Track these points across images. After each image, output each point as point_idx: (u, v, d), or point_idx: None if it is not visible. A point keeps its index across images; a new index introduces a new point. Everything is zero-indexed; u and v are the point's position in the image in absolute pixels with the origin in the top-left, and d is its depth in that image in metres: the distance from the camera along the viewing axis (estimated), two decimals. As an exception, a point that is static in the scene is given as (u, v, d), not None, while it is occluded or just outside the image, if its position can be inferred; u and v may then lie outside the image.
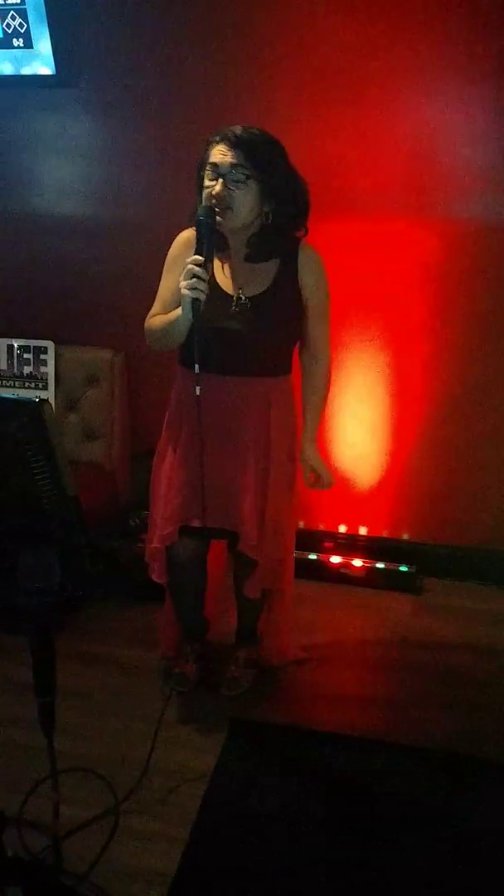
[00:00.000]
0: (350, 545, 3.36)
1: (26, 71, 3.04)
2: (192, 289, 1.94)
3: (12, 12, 2.93)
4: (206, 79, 2.97)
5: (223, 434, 2.20)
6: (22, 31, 2.96)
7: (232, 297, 2.12)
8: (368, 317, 3.12)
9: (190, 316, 1.99)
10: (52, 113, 3.15)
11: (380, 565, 3.27)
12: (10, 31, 2.96)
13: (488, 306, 3.02)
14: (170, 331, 2.10)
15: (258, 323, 2.11)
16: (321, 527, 3.42)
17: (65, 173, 3.22)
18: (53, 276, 3.34)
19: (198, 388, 2.01)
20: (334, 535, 3.40)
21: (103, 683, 2.56)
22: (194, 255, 1.97)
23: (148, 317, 2.21)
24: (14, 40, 2.98)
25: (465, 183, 2.90)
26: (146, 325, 2.20)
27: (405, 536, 3.36)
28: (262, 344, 2.15)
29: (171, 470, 2.27)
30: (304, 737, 2.35)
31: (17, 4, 2.92)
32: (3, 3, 2.92)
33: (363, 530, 3.39)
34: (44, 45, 2.96)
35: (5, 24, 2.95)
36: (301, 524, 3.42)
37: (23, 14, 2.93)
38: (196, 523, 2.24)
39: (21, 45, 2.98)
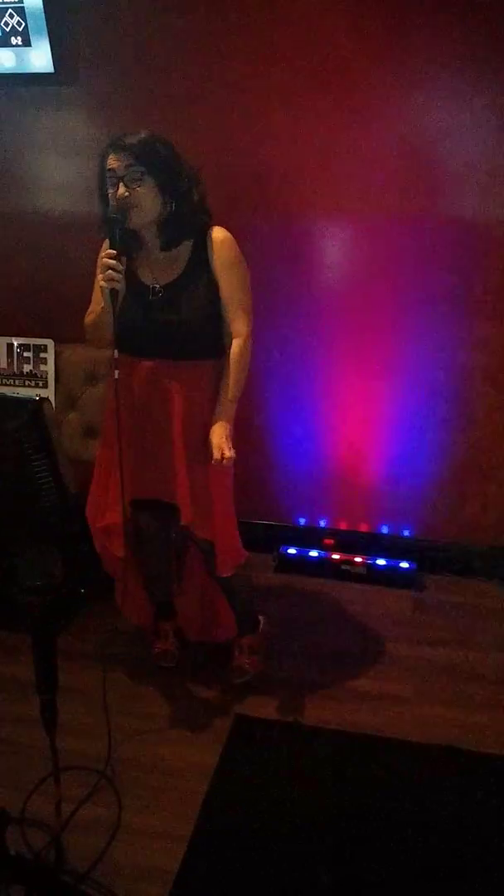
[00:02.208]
0: (351, 542, 3.36)
1: (25, 69, 3.03)
2: (109, 280, 2.11)
3: (10, 10, 2.93)
4: (203, 77, 2.96)
5: (154, 415, 2.31)
6: (20, 29, 2.95)
7: (149, 286, 2.26)
8: (368, 314, 3.12)
9: (109, 307, 2.16)
10: (50, 111, 3.15)
11: (381, 562, 3.27)
12: (8, 30, 2.96)
13: (489, 303, 3.02)
14: (98, 323, 2.26)
15: (172, 309, 2.23)
16: (322, 523, 3.43)
17: (64, 171, 3.21)
18: (53, 274, 3.34)
19: (116, 372, 2.18)
20: (335, 532, 3.40)
21: (102, 681, 2.56)
22: (108, 249, 2.13)
23: (85, 316, 2.34)
24: (12, 38, 2.98)
25: (464, 180, 2.90)
26: (83, 323, 2.34)
27: (406, 533, 3.36)
28: (180, 328, 2.25)
29: (110, 451, 2.36)
30: (307, 734, 2.36)
31: (15, 3, 2.91)
32: (1, 1, 2.92)
33: (364, 527, 3.39)
34: (42, 43, 2.96)
35: (3, 22, 2.95)
36: (302, 521, 3.43)
37: (21, 12, 2.92)
38: (141, 496, 2.37)
39: (19, 43, 2.98)
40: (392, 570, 3.26)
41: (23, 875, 1.66)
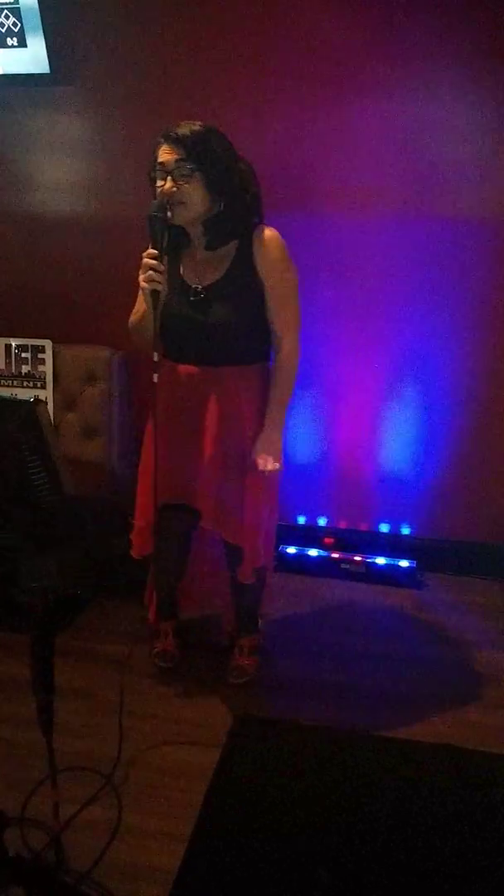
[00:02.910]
0: (350, 541, 3.36)
1: (20, 70, 3.03)
2: (150, 281, 2.05)
3: (6, 11, 2.93)
4: (201, 75, 2.96)
5: (193, 421, 2.27)
6: (16, 30, 2.95)
7: (191, 286, 2.19)
8: (368, 312, 3.12)
9: (151, 308, 2.08)
10: (46, 111, 3.15)
11: (380, 561, 3.27)
12: (3, 31, 2.96)
13: (490, 300, 3.02)
14: (140, 325, 2.22)
15: (214, 311, 2.16)
16: (321, 522, 3.43)
17: (60, 171, 3.21)
18: (51, 275, 3.34)
19: (155, 376, 2.11)
20: (335, 531, 3.40)
21: (104, 681, 2.56)
22: (150, 249, 2.06)
23: (131, 315, 2.31)
24: (8, 39, 2.98)
25: (463, 177, 2.90)
26: (129, 323, 2.31)
27: (405, 532, 3.36)
28: (219, 331, 2.19)
29: (149, 454, 2.33)
30: (307, 732, 2.36)
31: (10, 4, 2.91)
32: (-4, 2, 2.92)
33: (363, 526, 3.39)
34: (38, 43, 2.96)
35: (-1, 23, 2.96)
36: (302, 520, 3.43)
37: (16, 13, 2.92)
38: (171, 501, 2.36)
39: (15, 44, 2.98)
40: (391, 568, 3.26)
41: (22, 876, 1.65)
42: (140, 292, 2.22)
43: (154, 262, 2.04)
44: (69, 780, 2.07)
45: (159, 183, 2.07)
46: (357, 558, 3.29)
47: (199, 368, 2.23)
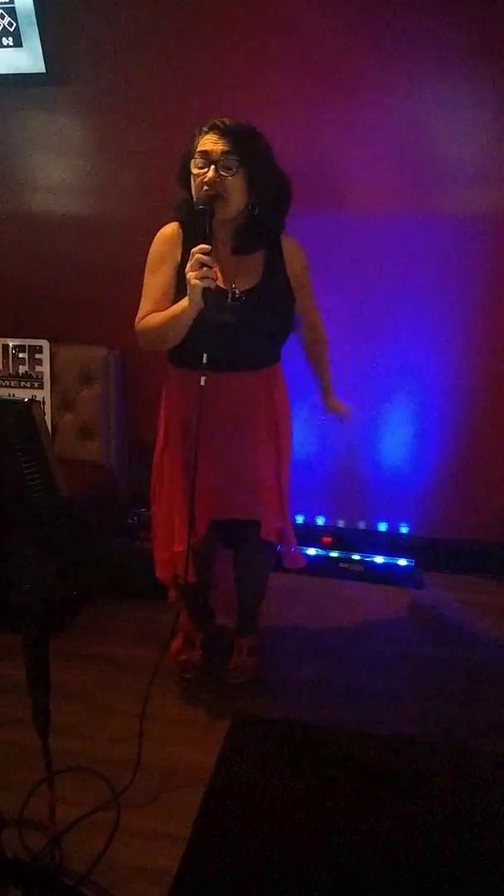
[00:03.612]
0: (349, 540, 3.36)
1: (16, 69, 3.03)
2: (204, 278, 1.92)
3: (1, 11, 2.92)
4: (198, 75, 2.96)
5: (234, 428, 2.23)
6: (11, 29, 2.95)
7: (225, 290, 2.10)
8: (368, 310, 3.12)
9: (202, 306, 1.95)
10: (43, 111, 3.15)
11: (379, 559, 3.27)
12: (-1, 30, 2.97)
13: (490, 299, 3.02)
14: (171, 327, 2.06)
15: (254, 316, 2.11)
16: (320, 522, 3.42)
17: (57, 171, 3.21)
18: (47, 275, 3.33)
19: (203, 379, 2.01)
20: (333, 530, 3.40)
21: (102, 682, 2.56)
22: (200, 244, 1.94)
23: (139, 318, 2.17)
24: (3, 39, 2.97)
25: (462, 175, 2.89)
26: (140, 325, 2.16)
27: (404, 530, 3.36)
28: (260, 337, 2.19)
29: (185, 475, 2.24)
30: (305, 732, 2.35)
31: (6, 4, 2.91)
32: (-8, 2, 2.92)
33: (362, 525, 3.39)
34: (33, 43, 2.96)
35: (-6, 22, 2.96)
36: (300, 519, 3.43)
37: (12, 13, 2.92)
38: (220, 517, 2.31)
39: (11, 44, 2.98)
40: (390, 567, 3.26)
41: (21, 877, 1.65)
42: (150, 291, 2.17)
43: (207, 257, 1.92)
44: (68, 781, 2.06)
45: (198, 171, 2.01)
46: (355, 557, 3.28)
47: (240, 374, 2.19)
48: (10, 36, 2.96)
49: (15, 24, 2.93)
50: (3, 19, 2.94)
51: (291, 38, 2.86)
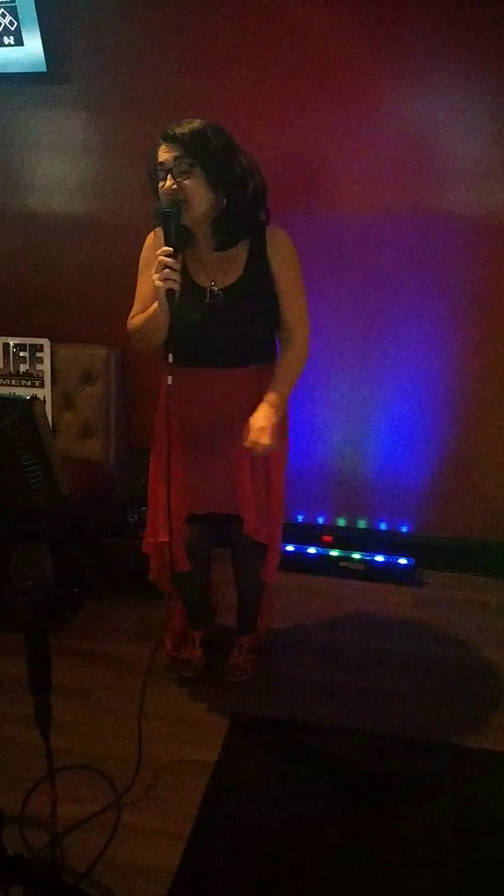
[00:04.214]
0: (349, 538, 3.36)
1: (17, 69, 3.03)
2: (166, 279, 1.99)
3: (2, 10, 2.92)
4: (198, 73, 2.96)
5: (216, 425, 2.24)
6: (12, 28, 2.95)
7: (205, 288, 2.15)
8: (367, 309, 3.12)
9: (167, 307, 2.04)
10: (43, 110, 3.14)
11: (379, 558, 3.27)
12: (0, 29, 2.96)
13: (490, 298, 3.02)
14: (150, 327, 2.13)
15: (233, 313, 2.14)
16: (320, 520, 3.42)
17: (57, 170, 3.21)
18: (48, 274, 3.33)
19: (169, 378, 2.06)
20: (333, 529, 3.40)
21: (102, 680, 2.57)
22: (164, 247, 2.01)
23: (129, 318, 2.23)
24: (4, 38, 2.97)
25: (461, 174, 2.89)
26: (129, 325, 2.22)
27: (404, 529, 3.36)
28: (240, 334, 2.18)
29: (168, 466, 2.27)
30: (306, 731, 2.36)
31: (7, 2, 2.91)
32: (-7, 1, 2.92)
33: (362, 523, 3.39)
34: (34, 42, 2.95)
35: (-5, 21, 2.96)
36: (300, 518, 3.43)
37: (13, 12, 2.92)
38: (200, 510, 2.33)
39: (12, 42, 2.98)
40: (390, 566, 3.26)
41: (21, 875, 1.65)
42: (139, 292, 2.22)
43: (170, 259, 1.99)
44: (68, 779, 2.07)
45: (161, 183, 2.06)
46: (356, 556, 3.29)
47: (219, 370, 2.20)
48: (11, 35, 2.96)
49: (16, 23, 2.93)
50: (4, 18, 2.94)
51: (292, 37, 2.86)
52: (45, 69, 3.00)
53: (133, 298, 2.24)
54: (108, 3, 2.97)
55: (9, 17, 2.93)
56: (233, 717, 2.40)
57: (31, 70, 3.02)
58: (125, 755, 2.18)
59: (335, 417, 3.25)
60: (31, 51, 2.97)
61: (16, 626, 1.39)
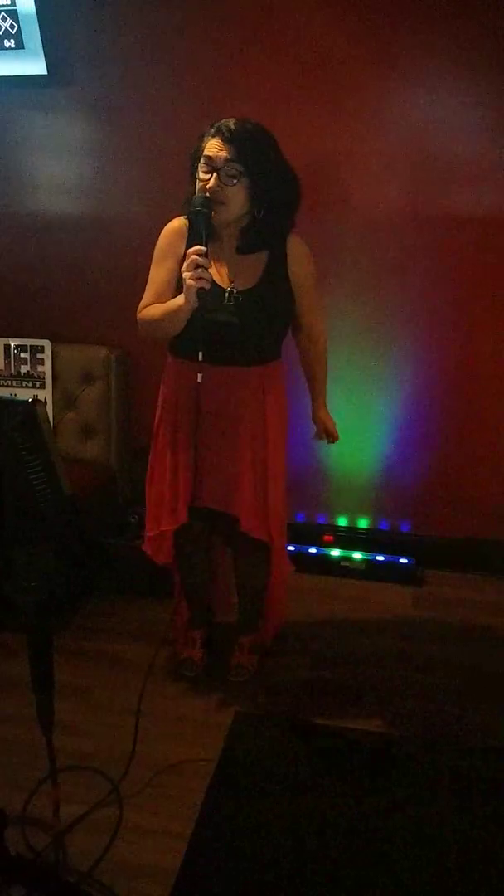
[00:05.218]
0: (350, 538, 3.37)
1: (18, 71, 3.04)
2: (198, 279, 1.97)
3: (3, 14, 2.93)
4: (198, 75, 2.96)
5: (221, 422, 2.25)
6: (13, 31, 2.96)
7: (224, 289, 2.14)
8: (368, 309, 3.12)
9: (196, 305, 2.01)
10: (44, 112, 3.15)
11: (380, 558, 3.28)
12: (1, 33, 2.96)
13: (491, 298, 3.02)
14: (169, 320, 2.10)
15: (250, 316, 2.14)
16: (321, 520, 3.43)
17: (58, 172, 3.22)
18: (49, 275, 3.34)
19: (199, 376, 2.06)
20: (334, 528, 3.41)
21: (104, 680, 2.57)
22: (195, 245, 2.00)
23: (140, 307, 2.21)
24: (5, 41, 2.98)
25: (462, 174, 2.90)
26: (140, 315, 2.20)
27: (405, 529, 3.36)
28: (255, 336, 2.19)
29: (173, 457, 2.32)
30: (308, 730, 2.36)
31: (8, 6, 2.92)
32: (-6, 4, 2.93)
33: (363, 523, 3.40)
34: (35, 45, 2.96)
35: (-4, 24, 2.97)
36: (301, 517, 3.43)
37: (13, 15, 2.93)
38: (198, 504, 2.33)
39: (12, 45, 2.98)
40: (391, 565, 3.27)
41: (23, 875, 1.66)
42: (152, 284, 2.20)
43: (202, 259, 1.97)
44: (70, 779, 2.08)
45: (203, 176, 2.04)
46: (356, 556, 3.29)
47: (228, 368, 2.20)
48: (12, 38, 2.97)
49: (17, 27, 2.94)
50: (4, 22, 2.95)
51: (292, 38, 2.86)
52: (45, 72, 3.01)
53: (137, 297, 2.23)
54: (108, 6, 2.98)
55: (9, 21, 2.94)
56: (234, 716, 2.40)
57: (31, 73, 3.03)
58: (126, 755, 2.19)
59: (336, 417, 3.24)
60: (31, 54, 2.98)
61: (18, 626, 1.40)
